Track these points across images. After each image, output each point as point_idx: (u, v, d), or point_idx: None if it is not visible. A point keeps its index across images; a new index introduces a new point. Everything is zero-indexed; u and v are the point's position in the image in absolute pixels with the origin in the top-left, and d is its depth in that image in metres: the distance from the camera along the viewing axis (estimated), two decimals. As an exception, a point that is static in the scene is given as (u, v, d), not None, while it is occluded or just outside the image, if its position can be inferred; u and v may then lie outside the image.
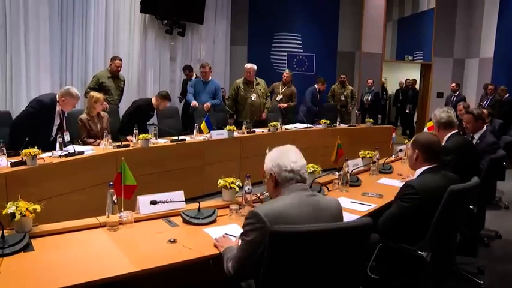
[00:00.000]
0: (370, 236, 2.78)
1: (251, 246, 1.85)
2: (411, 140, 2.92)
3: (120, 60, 6.56)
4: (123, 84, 6.78)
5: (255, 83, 7.05)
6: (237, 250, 1.98)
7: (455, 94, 9.80)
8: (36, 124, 4.47)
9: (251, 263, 1.85)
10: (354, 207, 3.10)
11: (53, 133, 4.69)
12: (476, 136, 4.52)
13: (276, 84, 8.30)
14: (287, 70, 8.38)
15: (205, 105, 6.97)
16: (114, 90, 6.51)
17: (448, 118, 3.75)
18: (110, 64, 6.53)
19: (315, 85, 8.67)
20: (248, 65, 7.04)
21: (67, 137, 4.66)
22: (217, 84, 7.48)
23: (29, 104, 4.69)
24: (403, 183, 3.59)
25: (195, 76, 7.84)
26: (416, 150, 2.77)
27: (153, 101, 5.92)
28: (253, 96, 6.99)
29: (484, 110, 5.67)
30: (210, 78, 7.28)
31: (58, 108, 4.67)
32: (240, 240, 1.97)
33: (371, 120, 7.98)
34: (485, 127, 4.63)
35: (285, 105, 8.05)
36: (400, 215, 2.58)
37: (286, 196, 1.95)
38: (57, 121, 4.71)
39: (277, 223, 1.75)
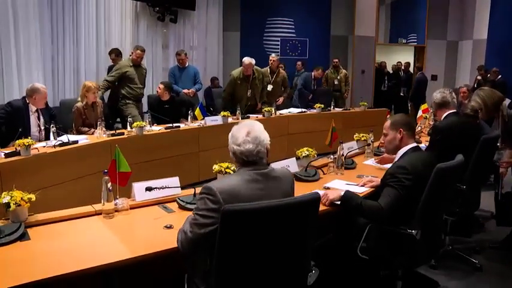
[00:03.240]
0: (359, 217, 2.79)
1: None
2: (389, 125, 2.85)
3: (142, 51, 6.42)
4: (145, 73, 6.71)
5: (251, 77, 6.87)
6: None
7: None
8: (13, 125, 4.43)
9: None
10: (349, 188, 3.10)
11: (33, 131, 4.62)
12: None
13: (265, 72, 7.38)
14: (273, 55, 7.72)
15: (190, 90, 7.00)
16: (139, 79, 6.44)
17: (442, 98, 3.73)
18: (131, 53, 6.48)
19: (312, 72, 8.61)
20: (246, 61, 6.72)
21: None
22: (195, 69, 7.50)
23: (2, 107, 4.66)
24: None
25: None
26: (401, 129, 2.76)
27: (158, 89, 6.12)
28: (249, 93, 6.91)
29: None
30: (187, 64, 7.31)
31: (33, 107, 4.64)
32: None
33: (365, 103, 7.98)
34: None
35: (281, 100, 7.64)
36: (398, 199, 2.50)
37: (233, 176, 2.02)
38: (35, 120, 4.67)
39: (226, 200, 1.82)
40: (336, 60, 9.29)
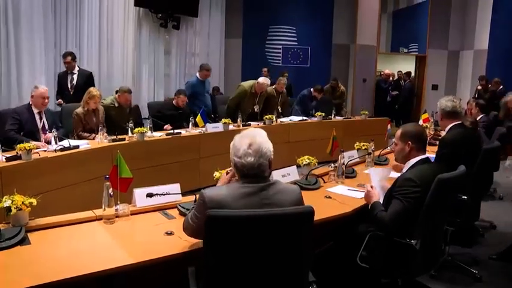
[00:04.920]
0: (359, 225, 2.79)
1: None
2: (399, 135, 2.81)
3: (130, 93, 5.72)
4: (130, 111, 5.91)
5: (260, 93, 6.98)
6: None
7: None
8: (25, 129, 4.51)
9: None
10: (351, 194, 3.13)
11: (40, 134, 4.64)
12: None
13: (271, 93, 7.36)
14: (284, 79, 7.60)
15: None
16: (122, 119, 5.45)
17: (453, 108, 3.59)
18: (118, 95, 5.65)
19: (311, 89, 7.91)
20: (265, 82, 6.84)
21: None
22: (208, 80, 7.49)
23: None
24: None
25: (77, 68, 6.25)
26: (409, 142, 2.71)
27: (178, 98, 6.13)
28: (256, 108, 7.02)
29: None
30: None
31: (35, 110, 4.66)
32: None
33: (366, 112, 7.99)
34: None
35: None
36: (406, 212, 2.48)
37: (228, 187, 2.01)
38: (39, 122, 4.68)
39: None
40: (334, 82, 8.73)
